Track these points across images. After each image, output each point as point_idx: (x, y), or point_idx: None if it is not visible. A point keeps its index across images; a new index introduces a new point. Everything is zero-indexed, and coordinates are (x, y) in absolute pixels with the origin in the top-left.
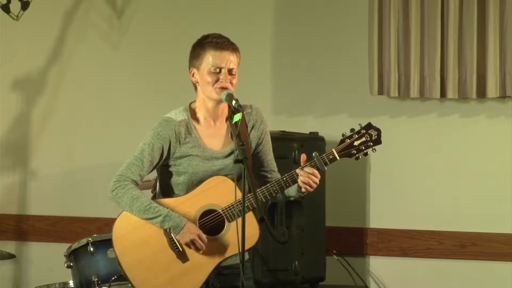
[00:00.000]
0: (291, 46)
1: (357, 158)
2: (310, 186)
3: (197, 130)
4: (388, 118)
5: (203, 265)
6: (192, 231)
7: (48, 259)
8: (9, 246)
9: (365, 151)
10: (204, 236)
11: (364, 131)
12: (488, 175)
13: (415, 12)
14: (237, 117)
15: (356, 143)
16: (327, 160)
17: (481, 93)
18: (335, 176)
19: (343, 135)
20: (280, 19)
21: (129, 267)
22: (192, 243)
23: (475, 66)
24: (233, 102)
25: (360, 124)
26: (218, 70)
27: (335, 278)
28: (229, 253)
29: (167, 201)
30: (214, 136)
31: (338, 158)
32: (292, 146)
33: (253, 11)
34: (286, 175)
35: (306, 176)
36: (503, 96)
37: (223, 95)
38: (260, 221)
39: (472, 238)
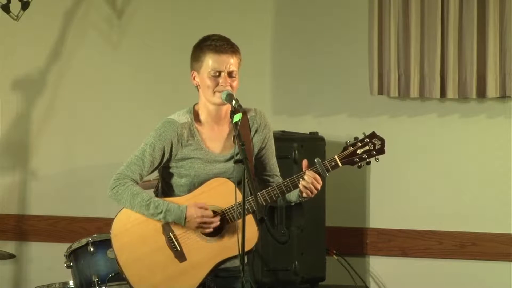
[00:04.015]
0: (291, 46)
1: (359, 167)
2: (311, 192)
3: (199, 133)
4: (388, 118)
5: (200, 265)
6: (195, 216)
7: (48, 259)
8: (9, 246)
9: (367, 160)
10: (209, 212)
11: (368, 139)
12: (488, 175)
13: (415, 12)
14: (237, 117)
15: (359, 151)
16: (329, 167)
17: (481, 93)
18: (335, 176)
19: (346, 142)
20: (280, 19)
21: (127, 265)
22: (203, 225)
23: (475, 66)
24: (233, 102)
25: (364, 133)
26: (217, 74)
27: (335, 278)
28: (227, 254)
29: (169, 200)
30: (216, 139)
31: (340, 165)
32: (292, 146)
33: (253, 11)
34: (287, 179)
35: (310, 182)
36: (503, 96)
37: (223, 95)
38: (260, 221)
39: (472, 238)
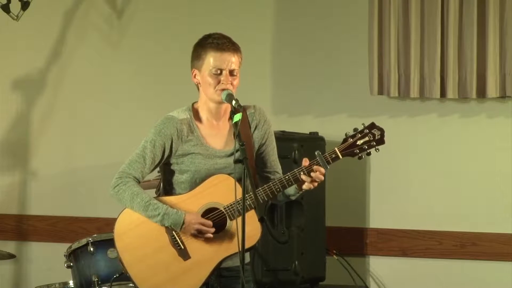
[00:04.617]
0: (291, 46)
1: (360, 158)
2: (312, 185)
3: (199, 129)
4: (388, 118)
5: (204, 263)
6: (193, 222)
7: (48, 259)
8: (9, 246)
9: (368, 151)
10: (207, 221)
11: (368, 130)
12: (488, 175)
13: (415, 12)
14: (237, 117)
15: (359, 142)
16: (329, 159)
17: (481, 93)
18: (335, 176)
19: (346, 134)
20: (280, 19)
21: (130, 264)
22: (199, 233)
23: (475, 66)
24: (233, 102)
25: (363, 124)
26: (219, 72)
27: (335, 278)
28: (230, 251)
29: (169, 198)
30: (216, 136)
31: (341, 157)
32: (292, 146)
33: (254, 11)
34: (288, 173)
35: (314, 176)
36: (503, 96)
37: (223, 95)
38: (260, 221)
39: (472, 238)
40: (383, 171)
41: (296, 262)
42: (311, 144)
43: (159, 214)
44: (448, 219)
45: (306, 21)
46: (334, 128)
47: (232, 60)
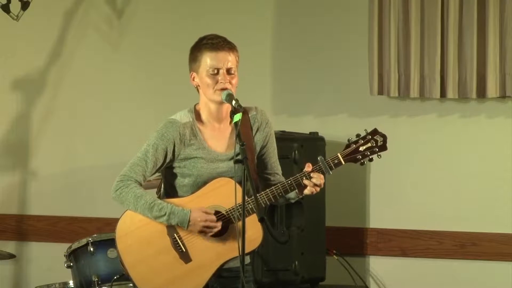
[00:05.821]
0: (291, 46)
1: (362, 164)
2: (315, 189)
3: (201, 132)
4: (388, 118)
5: (206, 266)
6: (199, 219)
7: (48, 259)
8: (9, 246)
9: (370, 157)
10: (212, 217)
11: (370, 136)
12: (488, 175)
13: (415, 12)
14: (237, 117)
15: (361, 148)
16: (332, 165)
17: (481, 93)
18: (335, 176)
19: (348, 140)
20: (280, 19)
21: (132, 267)
22: (206, 228)
23: (475, 66)
24: (233, 102)
25: (366, 130)
26: (216, 71)
27: (335, 278)
28: (233, 254)
29: (172, 201)
30: (218, 139)
31: (343, 163)
32: (292, 146)
33: (253, 11)
34: (291, 178)
35: (317, 183)
36: (503, 96)
37: (223, 95)
38: (260, 221)
39: (472, 238)
40: (383, 171)
41: (296, 262)
42: (311, 144)
43: (165, 214)
44: (448, 219)
45: (306, 21)
46: (334, 128)
47: (228, 59)
